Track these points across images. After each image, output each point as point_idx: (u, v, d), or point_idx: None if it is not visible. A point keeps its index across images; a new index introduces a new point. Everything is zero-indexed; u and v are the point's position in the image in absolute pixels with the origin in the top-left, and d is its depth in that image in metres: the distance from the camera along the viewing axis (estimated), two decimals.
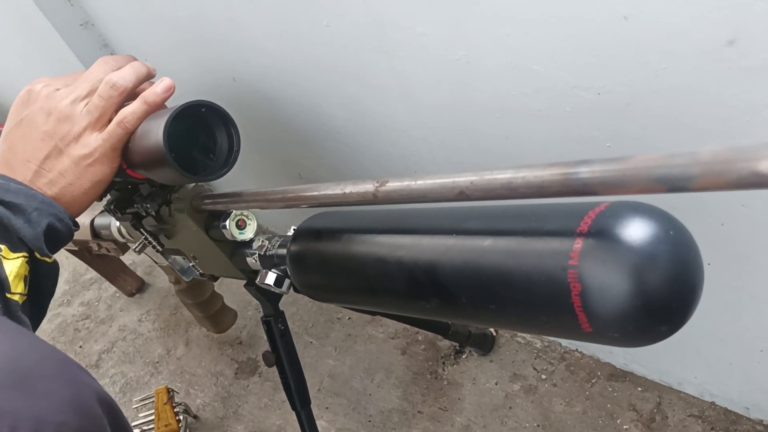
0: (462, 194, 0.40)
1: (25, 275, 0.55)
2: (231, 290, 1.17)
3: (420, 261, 0.46)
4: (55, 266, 0.59)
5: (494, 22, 0.54)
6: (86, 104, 0.61)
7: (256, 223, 0.69)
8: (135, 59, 0.65)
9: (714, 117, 0.50)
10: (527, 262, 0.39)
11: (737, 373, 0.71)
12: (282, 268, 0.66)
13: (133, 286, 1.35)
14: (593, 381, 0.84)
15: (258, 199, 0.59)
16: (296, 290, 0.68)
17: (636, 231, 0.35)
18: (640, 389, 0.81)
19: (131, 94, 0.63)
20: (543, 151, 0.63)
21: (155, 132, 0.57)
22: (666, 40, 0.46)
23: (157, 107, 0.61)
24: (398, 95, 0.70)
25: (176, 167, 0.57)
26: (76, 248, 1.19)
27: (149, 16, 0.94)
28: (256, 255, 0.69)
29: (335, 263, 0.54)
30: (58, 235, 0.58)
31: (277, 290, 0.67)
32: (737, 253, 0.60)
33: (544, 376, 0.87)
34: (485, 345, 0.92)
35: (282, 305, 0.76)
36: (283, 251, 0.64)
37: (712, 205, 0.57)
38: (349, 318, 1.08)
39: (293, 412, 0.97)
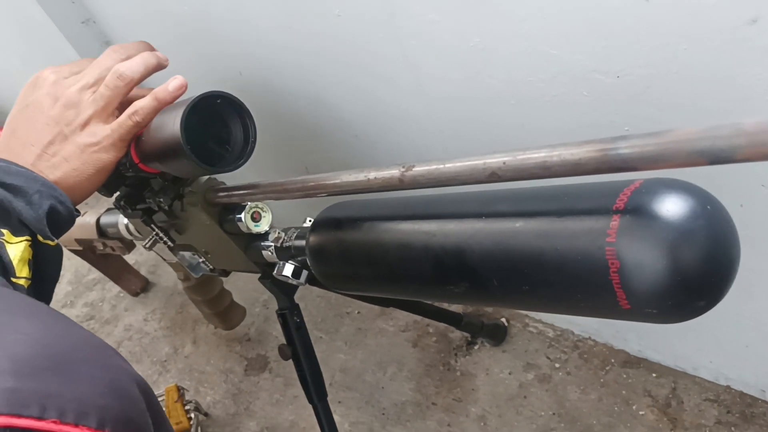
0: (494, 175, 0.39)
1: (29, 259, 0.54)
2: (238, 287, 1.16)
3: (447, 245, 0.46)
4: (58, 250, 0.59)
5: (510, 7, 0.54)
6: (93, 92, 0.61)
7: (271, 215, 0.69)
8: (149, 46, 0.65)
9: (734, 98, 0.50)
10: (562, 242, 0.39)
11: (753, 356, 0.71)
12: (299, 259, 0.66)
13: (138, 285, 1.34)
14: (607, 368, 0.84)
15: (276, 190, 0.58)
16: (312, 282, 0.68)
17: (673, 206, 0.35)
18: (654, 375, 0.81)
19: (138, 84, 0.63)
20: (558, 137, 0.63)
21: (171, 124, 0.57)
22: (687, 20, 0.46)
23: (167, 104, 0.61)
24: (410, 85, 0.70)
25: (193, 159, 0.56)
26: (80, 248, 1.18)
27: (152, 11, 0.94)
28: (272, 247, 0.68)
29: (357, 252, 0.54)
30: (60, 218, 0.58)
31: (295, 281, 0.67)
32: (755, 234, 0.60)
33: (557, 365, 0.87)
34: (497, 335, 0.92)
35: None
36: (301, 242, 0.64)
37: (732, 185, 0.57)
38: (358, 312, 1.08)
39: (306, 407, 0.98)
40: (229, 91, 0.60)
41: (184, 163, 0.58)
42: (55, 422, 0.30)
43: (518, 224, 0.42)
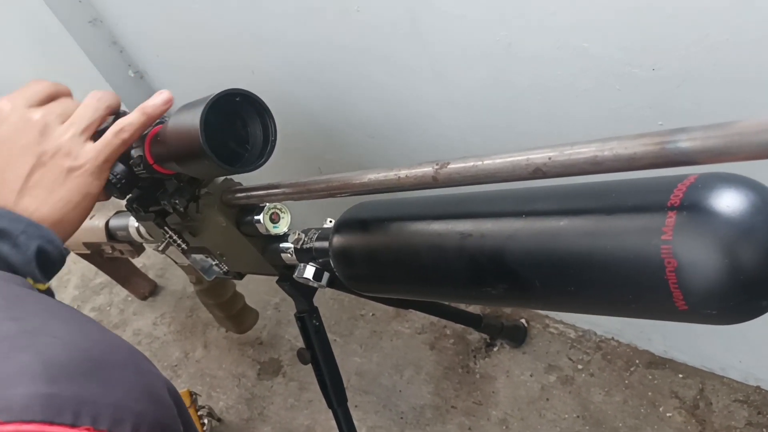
0: (538, 172, 0.38)
1: None
2: (249, 290, 1.14)
3: (485, 246, 0.44)
4: (49, 293, 0.55)
5: (540, 0, 0.53)
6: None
7: (289, 217, 0.67)
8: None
9: None
10: (612, 241, 0.37)
11: None
12: (320, 261, 0.64)
13: (146, 289, 1.32)
14: (632, 369, 0.83)
15: (298, 190, 0.57)
16: (332, 285, 0.67)
17: (733, 202, 0.33)
18: (681, 376, 0.79)
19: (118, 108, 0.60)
20: (586, 132, 0.61)
21: (190, 122, 0.55)
22: (730, 11, 0.45)
23: (155, 119, 0.59)
24: (430, 81, 0.69)
25: (213, 159, 0.54)
26: (88, 251, 1.16)
27: (161, 10, 0.92)
28: (292, 249, 0.67)
29: (385, 253, 0.52)
30: (49, 259, 0.54)
31: (316, 284, 0.65)
32: None
33: (580, 366, 0.85)
34: (518, 337, 0.90)
35: None
36: (323, 244, 0.62)
37: None
38: (373, 314, 1.06)
39: (322, 412, 0.96)
40: None
41: (203, 164, 0.57)
42: (88, 429, 0.29)
43: (563, 223, 0.40)
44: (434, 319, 0.99)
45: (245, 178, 0.68)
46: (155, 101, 0.58)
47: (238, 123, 0.60)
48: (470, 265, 0.45)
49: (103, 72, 1.06)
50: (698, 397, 0.77)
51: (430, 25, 0.62)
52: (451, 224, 0.47)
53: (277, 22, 0.77)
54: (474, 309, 0.95)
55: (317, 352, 0.74)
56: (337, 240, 0.57)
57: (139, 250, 1.07)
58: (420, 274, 0.49)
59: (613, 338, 0.86)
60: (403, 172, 0.46)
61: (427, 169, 0.44)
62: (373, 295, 0.64)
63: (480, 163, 0.40)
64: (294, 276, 0.66)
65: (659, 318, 0.38)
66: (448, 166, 0.43)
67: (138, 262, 1.34)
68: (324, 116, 0.87)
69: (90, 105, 0.58)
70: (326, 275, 0.65)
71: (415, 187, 0.45)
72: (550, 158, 0.37)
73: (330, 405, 0.75)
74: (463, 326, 0.95)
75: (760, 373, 0.74)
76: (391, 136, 0.81)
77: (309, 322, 0.73)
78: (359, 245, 0.55)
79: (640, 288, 0.36)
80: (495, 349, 0.92)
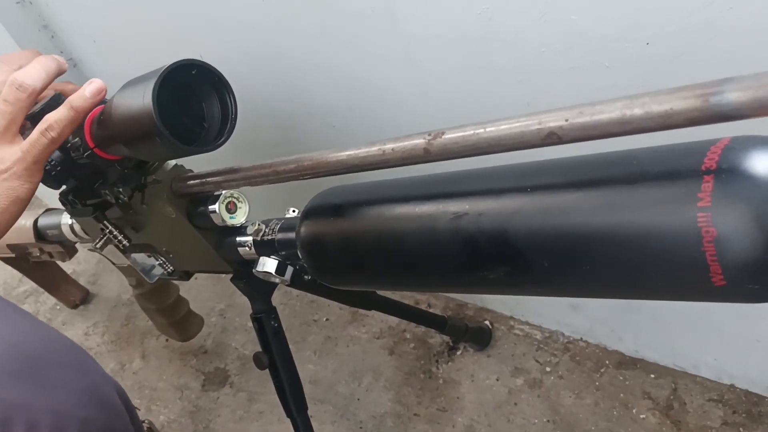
0: (552, 136, 0.34)
1: None
2: (191, 296, 1.06)
3: (483, 225, 0.39)
4: None
5: None
6: None
7: (247, 206, 0.61)
8: (36, 52, 0.55)
9: None
10: (636, 212, 0.33)
11: (760, 351, 0.68)
12: (283, 254, 0.59)
13: (77, 296, 1.23)
14: (602, 370, 0.80)
15: (263, 173, 0.51)
16: (292, 283, 0.61)
17: None
18: (653, 376, 0.77)
19: (40, 94, 0.54)
20: None
21: (140, 98, 0.49)
22: None
23: (86, 113, 0.53)
24: (400, 64, 0.64)
25: (168, 137, 0.49)
26: (12, 255, 1.06)
27: None
28: (250, 242, 0.61)
29: (364, 239, 0.47)
30: None
31: (278, 279, 0.59)
32: None
33: (548, 369, 0.82)
34: (482, 339, 0.86)
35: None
36: (287, 235, 0.57)
37: None
38: (327, 319, 1.00)
39: (274, 423, 0.90)
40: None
41: (156, 144, 0.51)
42: None
43: (575, 196, 0.36)
44: (393, 322, 0.94)
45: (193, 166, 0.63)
46: (84, 93, 0.52)
47: (192, 99, 0.54)
48: (465, 248, 0.40)
49: None
50: (671, 397, 0.74)
51: (404, 0, 0.58)
52: (442, 204, 0.42)
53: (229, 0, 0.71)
54: (438, 310, 0.91)
55: (275, 356, 0.68)
56: (306, 228, 0.52)
57: (71, 252, 0.99)
58: (405, 260, 0.45)
59: (581, 339, 0.83)
60: (388, 146, 0.41)
61: (418, 141, 0.39)
62: (345, 289, 0.59)
63: (482, 130, 0.36)
64: (254, 270, 0.60)
65: (688, 298, 0.34)
66: (443, 136, 0.38)
67: (67, 267, 1.24)
68: (280, 103, 0.81)
69: (9, 96, 0.51)
70: (290, 269, 0.59)
71: (404, 162, 0.41)
72: (567, 120, 0.33)
73: (289, 413, 0.69)
74: (423, 330, 0.91)
75: (734, 370, 0.72)
76: (355, 126, 0.76)
77: (267, 323, 0.67)
78: (333, 232, 0.49)
79: (670, 264, 0.32)
80: (458, 352, 0.88)
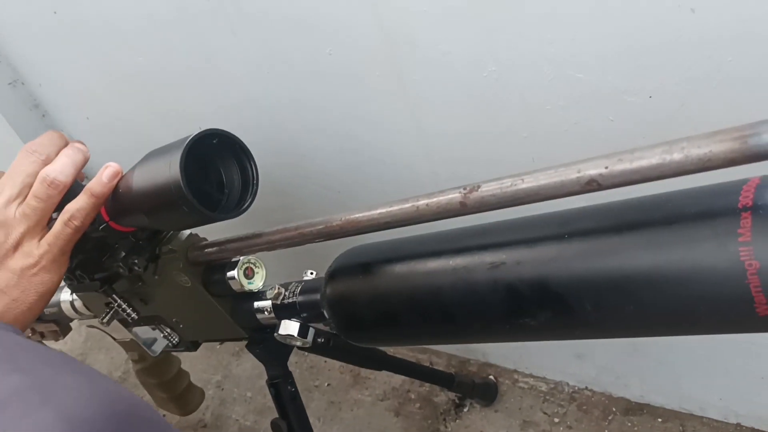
0: (592, 183, 0.36)
1: None
2: (185, 368, 1.05)
3: (522, 273, 0.41)
4: None
5: (537, 31, 0.52)
6: (19, 206, 0.52)
7: (264, 271, 0.62)
8: (62, 137, 0.56)
9: None
10: (677, 251, 0.35)
11: (766, 388, 0.70)
12: (304, 315, 0.59)
13: None
14: (610, 418, 0.81)
15: (287, 236, 0.52)
16: (313, 348, 0.61)
17: None
18: (660, 420, 0.78)
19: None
20: None
21: (165, 168, 0.51)
22: (736, 29, 0.46)
23: (105, 198, 0.54)
24: (407, 125, 0.67)
25: (196, 204, 0.50)
26: None
27: (85, 66, 0.86)
28: (269, 306, 0.61)
29: (397, 295, 0.48)
30: None
31: (300, 342, 0.60)
32: None
33: (556, 419, 0.83)
34: (488, 394, 0.86)
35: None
36: (311, 296, 0.57)
37: None
38: (328, 384, 0.99)
39: None
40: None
41: (181, 212, 0.51)
42: None
43: (615, 239, 0.38)
44: (396, 383, 0.94)
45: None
46: (101, 179, 0.53)
47: (212, 166, 0.55)
48: (505, 297, 0.42)
49: (23, 137, 0.97)
50: None
51: (412, 64, 0.60)
52: (477, 256, 0.44)
53: (234, 68, 0.73)
54: (444, 367, 0.91)
55: (293, 422, 0.67)
56: (334, 287, 0.53)
57: (65, 330, 0.97)
58: (442, 313, 0.46)
59: (586, 388, 0.84)
60: (422, 202, 0.43)
61: (454, 195, 0.41)
62: (374, 346, 0.59)
63: (519, 180, 0.38)
64: (275, 334, 0.60)
65: (732, 330, 0.36)
66: (480, 189, 0.40)
67: (54, 347, 1.21)
68: (280, 168, 0.83)
69: (41, 193, 0.52)
70: (311, 331, 0.60)
71: (438, 217, 0.42)
72: (606, 167, 0.35)
73: None
74: (428, 389, 0.91)
75: (740, 409, 0.74)
76: (357, 189, 0.78)
77: (284, 388, 0.67)
78: (364, 290, 0.50)
79: (715, 298, 0.34)
80: (465, 409, 0.88)
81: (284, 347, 0.65)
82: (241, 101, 0.77)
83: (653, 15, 0.47)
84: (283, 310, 0.60)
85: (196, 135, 0.52)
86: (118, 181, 0.54)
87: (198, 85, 0.79)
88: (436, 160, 0.68)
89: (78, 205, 0.52)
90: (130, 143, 0.94)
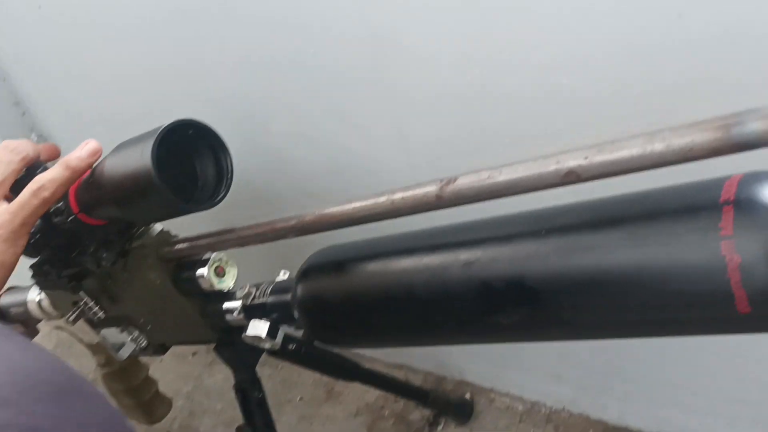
0: (571, 175, 0.34)
1: None
2: (155, 377, 1.02)
3: (498, 271, 0.39)
4: None
5: (522, 32, 0.52)
6: None
7: (236, 270, 0.60)
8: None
9: None
10: (658, 246, 0.34)
11: (745, 411, 0.68)
12: (274, 316, 0.57)
13: None
14: None
15: (259, 232, 0.51)
16: (277, 352, 0.59)
17: None
18: None
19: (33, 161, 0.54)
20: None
21: (137, 155, 0.49)
22: (723, 36, 0.45)
23: (81, 174, 0.52)
24: (389, 131, 0.66)
25: (168, 193, 0.48)
26: None
27: (68, 63, 0.85)
28: (239, 307, 0.59)
29: (369, 295, 0.47)
30: None
31: (269, 343, 0.57)
32: None
33: None
34: (464, 413, 0.84)
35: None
36: (281, 297, 0.56)
37: None
38: (300, 398, 0.97)
39: None
40: None
41: (153, 202, 0.50)
42: None
43: (593, 235, 0.37)
44: (370, 399, 0.92)
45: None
46: (80, 153, 0.51)
47: (186, 158, 0.54)
48: (479, 294, 0.40)
49: (2, 134, 0.95)
50: None
51: (396, 69, 0.60)
52: (451, 254, 0.43)
53: (216, 66, 0.72)
54: (420, 383, 0.89)
55: (259, 429, 0.65)
56: (305, 287, 0.51)
57: (32, 333, 0.94)
58: (416, 312, 0.44)
59: (563, 408, 0.83)
60: (398, 195, 0.42)
61: (430, 189, 0.40)
62: (345, 348, 0.58)
63: (497, 173, 0.37)
64: (243, 336, 0.58)
65: (710, 330, 0.35)
66: (457, 182, 0.39)
67: None
68: (260, 174, 0.81)
69: (4, 156, 0.51)
70: (281, 332, 0.58)
71: (414, 211, 0.41)
72: (586, 158, 0.34)
73: None
74: (402, 406, 0.89)
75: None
76: (338, 196, 0.77)
77: (251, 394, 0.65)
78: (335, 289, 0.49)
79: (695, 295, 0.33)
80: (439, 427, 0.86)
81: (253, 351, 0.63)
82: (222, 98, 0.76)
83: (641, 20, 0.47)
84: (253, 311, 0.58)
85: (170, 123, 0.51)
86: (88, 171, 0.53)
87: (181, 83, 0.78)
88: (417, 165, 0.67)
89: (51, 175, 0.50)
90: (112, 140, 0.92)
